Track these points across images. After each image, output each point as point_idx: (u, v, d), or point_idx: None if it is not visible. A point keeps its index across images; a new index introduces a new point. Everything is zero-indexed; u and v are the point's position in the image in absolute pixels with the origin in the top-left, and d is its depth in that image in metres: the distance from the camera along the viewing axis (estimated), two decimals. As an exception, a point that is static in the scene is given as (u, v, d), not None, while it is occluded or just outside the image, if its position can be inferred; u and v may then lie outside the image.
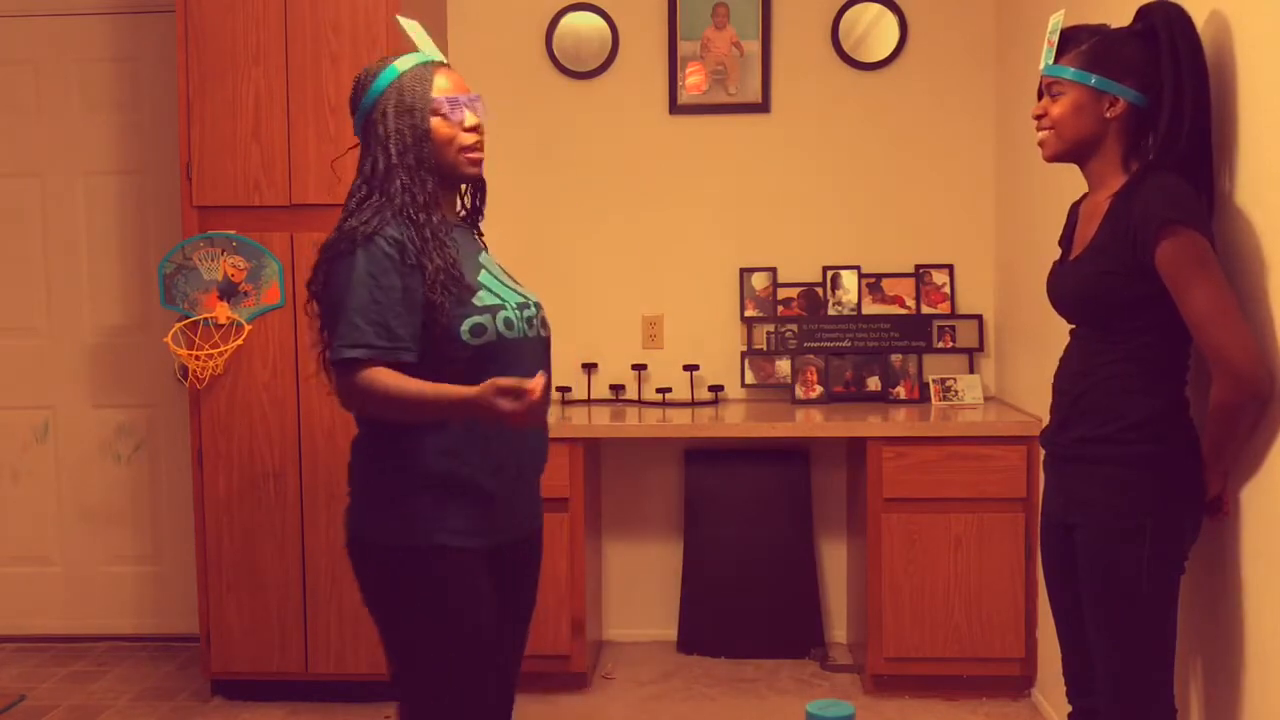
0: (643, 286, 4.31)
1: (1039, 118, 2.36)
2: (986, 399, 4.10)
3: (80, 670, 4.17)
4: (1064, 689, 2.52)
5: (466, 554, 2.15)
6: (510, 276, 2.36)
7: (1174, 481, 2.24)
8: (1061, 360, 2.44)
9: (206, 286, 3.64)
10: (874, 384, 4.17)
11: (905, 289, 4.22)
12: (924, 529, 3.66)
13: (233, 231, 3.65)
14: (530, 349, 2.24)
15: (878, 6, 4.21)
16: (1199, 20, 2.31)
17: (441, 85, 2.21)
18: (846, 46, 4.22)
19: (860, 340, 4.19)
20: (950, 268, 4.22)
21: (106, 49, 4.34)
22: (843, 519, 4.26)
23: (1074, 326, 2.44)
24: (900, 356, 4.17)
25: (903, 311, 4.21)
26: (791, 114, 4.26)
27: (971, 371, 4.17)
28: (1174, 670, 2.30)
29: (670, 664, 4.10)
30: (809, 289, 4.25)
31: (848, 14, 4.22)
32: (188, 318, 3.64)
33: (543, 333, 2.32)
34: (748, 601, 4.13)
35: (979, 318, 4.21)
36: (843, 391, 4.18)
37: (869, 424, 3.76)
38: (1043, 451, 2.53)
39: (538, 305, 2.33)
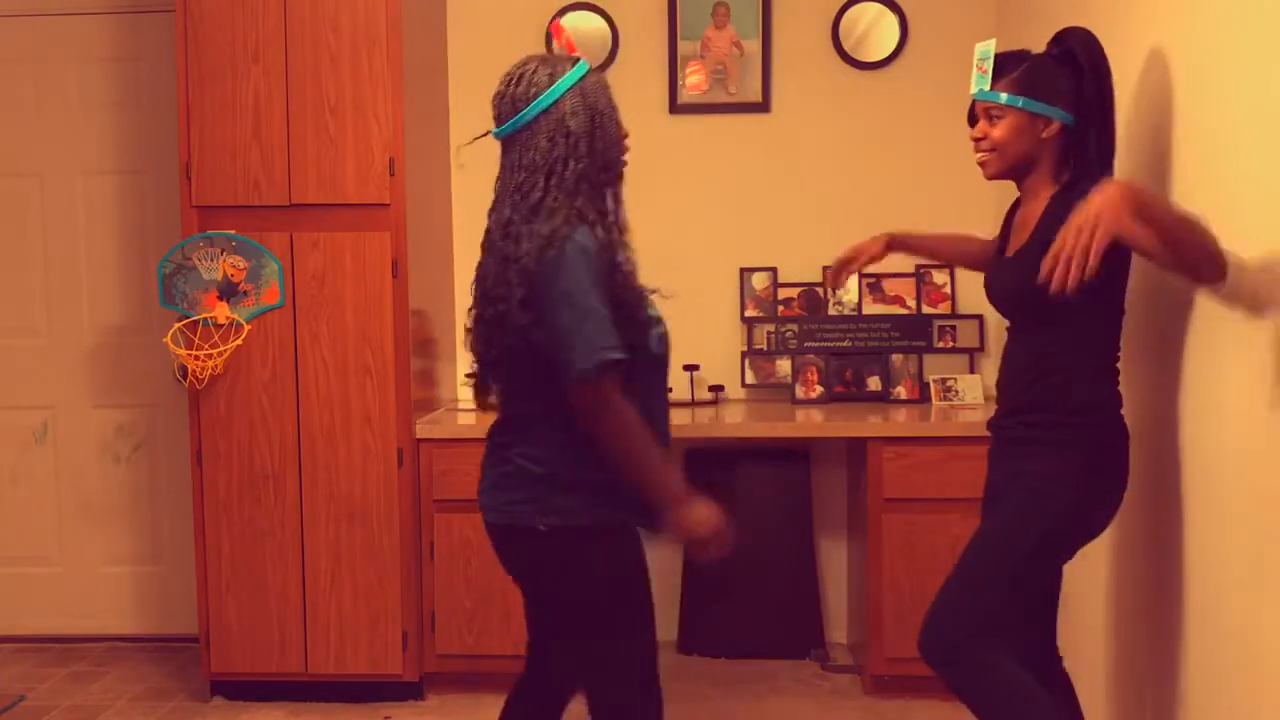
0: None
1: (979, 140, 2.49)
2: (987, 399, 4.10)
3: (80, 670, 4.17)
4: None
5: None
6: None
7: (1104, 468, 2.37)
8: (1004, 358, 2.56)
9: (206, 286, 3.64)
10: (874, 384, 4.17)
11: (906, 289, 4.22)
12: (924, 529, 3.66)
13: (232, 231, 3.65)
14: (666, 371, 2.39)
15: (878, 6, 4.20)
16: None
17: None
18: (846, 46, 4.22)
19: (860, 340, 4.19)
20: (950, 268, 4.21)
21: (106, 49, 4.34)
22: (843, 519, 4.26)
23: (1010, 325, 2.56)
24: (901, 356, 4.16)
25: (903, 311, 4.21)
26: (791, 114, 4.26)
27: (972, 371, 4.17)
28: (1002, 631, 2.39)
29: (670, 664, 4.10)
30: (809, 289, 4.25)
31: (848, 14, 4.21)
32: (187, 317, 3.64)
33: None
34: (748, 602, 4.12)
35: (980, 317, 4.20)
36: (843, 391, 4.17)
37: (869, 424, 3.76)
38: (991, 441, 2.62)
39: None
